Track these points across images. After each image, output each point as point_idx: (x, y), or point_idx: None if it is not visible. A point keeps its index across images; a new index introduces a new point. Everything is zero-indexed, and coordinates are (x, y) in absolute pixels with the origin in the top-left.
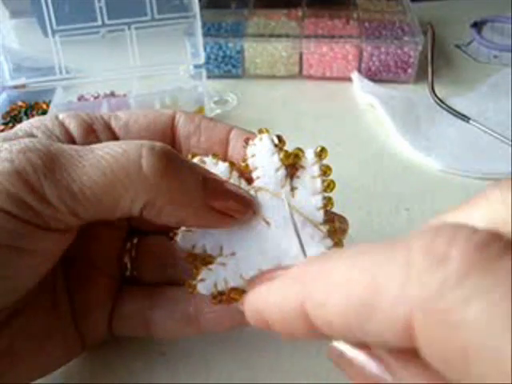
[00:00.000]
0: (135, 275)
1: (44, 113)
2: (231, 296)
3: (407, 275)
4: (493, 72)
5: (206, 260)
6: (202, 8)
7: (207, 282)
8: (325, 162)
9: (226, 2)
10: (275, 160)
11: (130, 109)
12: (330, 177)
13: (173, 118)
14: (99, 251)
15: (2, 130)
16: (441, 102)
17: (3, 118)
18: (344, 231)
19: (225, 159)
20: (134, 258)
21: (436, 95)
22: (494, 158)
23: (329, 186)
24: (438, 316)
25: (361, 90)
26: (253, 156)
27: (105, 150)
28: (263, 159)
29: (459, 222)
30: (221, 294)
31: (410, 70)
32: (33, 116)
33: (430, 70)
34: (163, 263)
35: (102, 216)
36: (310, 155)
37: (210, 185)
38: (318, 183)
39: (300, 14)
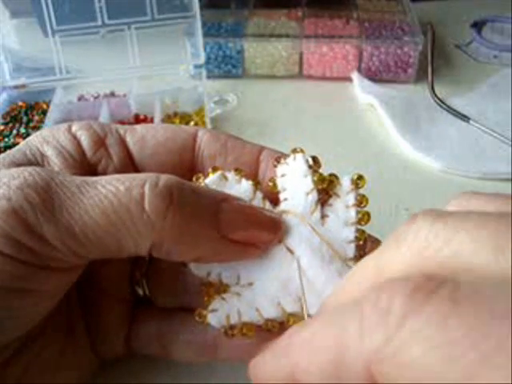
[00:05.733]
0: (149, 296)
1: (44, 113)
2: (243, 331)
3: (361, 332)
4: (493, 72)
5: (221, 289)
6: (202, 8)
7: (219, 312)
8: (361, 191)
9: (226, 2)
10: (308, 182)
11: (130, 109)
12: (366, 208)
13: (194, 135)
14: (108, 275)
15: (2, 130)
16: (441, 102)
17: (3, 118)
18: None
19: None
20: (146, 278)
21: (436, 95)
22: (494, 158)
23: (363, 219)
24: (390, 360)
25: (361, 90)
26: (283, 176)
27: (107, 188)
28: (294, 180)
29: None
30: (232, 328)
31: (410, 70)
32: (33, 116)
33: (429, 69)
34: (175, 291)
35: (107, 256)
36: (345, 182)
37: (227, 215)
38: (352, 214)
39: (300, 14)
